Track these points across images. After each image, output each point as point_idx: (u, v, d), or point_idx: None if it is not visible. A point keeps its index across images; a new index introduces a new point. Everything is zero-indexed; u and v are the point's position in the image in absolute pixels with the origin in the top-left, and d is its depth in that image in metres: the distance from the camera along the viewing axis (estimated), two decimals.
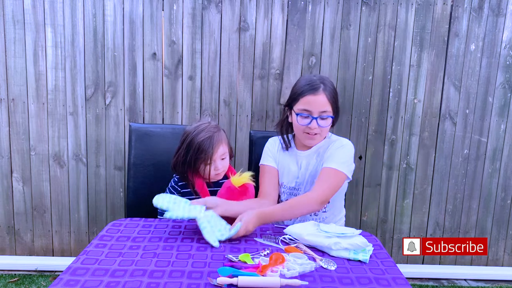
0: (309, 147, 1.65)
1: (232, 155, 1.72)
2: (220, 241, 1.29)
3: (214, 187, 1.64)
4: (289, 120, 1.66)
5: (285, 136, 1.69)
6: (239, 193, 1.55)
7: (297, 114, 1.57)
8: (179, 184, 1.66)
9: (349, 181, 1.63)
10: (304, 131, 1.58)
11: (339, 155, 1.57)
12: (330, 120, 1.56)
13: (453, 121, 2.37)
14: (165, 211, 1.33)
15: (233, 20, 2.22)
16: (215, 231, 1.31)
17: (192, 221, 1.39)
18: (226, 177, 1.69)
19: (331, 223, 1.43)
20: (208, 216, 1.34)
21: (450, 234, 2.49)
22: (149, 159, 1.82)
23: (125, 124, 2.28)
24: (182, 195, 1.63)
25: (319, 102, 1.53)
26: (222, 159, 1.61)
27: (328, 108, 1.54)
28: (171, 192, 1.66)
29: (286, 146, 1.68)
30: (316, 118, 1.54)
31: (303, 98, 1.55)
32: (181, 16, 2.20)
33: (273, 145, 1.73)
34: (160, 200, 1.37)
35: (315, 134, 1.57)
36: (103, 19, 2.19)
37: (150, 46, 2.22)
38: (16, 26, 2.17)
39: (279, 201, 1.70)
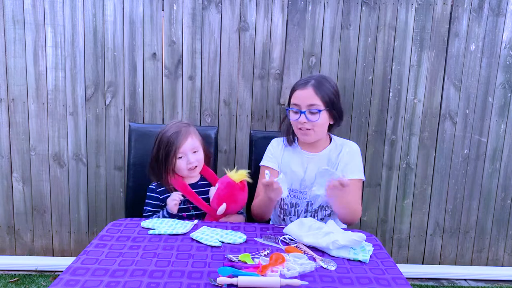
0: (317, 150, 1.64)
1: (209, 155, 1.74)
2: (222, 242, 1.30)
3: (197, 189, 1.66)
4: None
5: (290, 136, 1.69)
6: (239, 188, 1.55)
7: (287, 110, 1.61)
8: (157, 190, 1.67)
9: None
10: (297, 126, 1.59)
11: (356, 163, 1.62)
12: (319, 115, 1.54)
13: (453, 121, 2.37)
14: (151, 228, 1.38)
15: (233, 20, 2.22)
16: (213, 236, 1.33)
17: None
18: (203, 178, 1.71)
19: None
20: (200, 230, 1.37)
21: (450, 234, 2.49)
22: (149, 159, 1.82)
23: (125, 124, 2.28)
24: (163, 201, 1.66)
25: (306, 96, 1.54)
26: (194, 152, 1.63)
27: (317, 101, 1.53)
28: (153, 202, 1.67)
29: (290, 142, 1.68)
30: (303, 112, 1.54)
31: (294, 94, 1.59)
32: (181, 16, 2.21)
33: (276, 146, 1.72)
34: (147, 221, 1.43)
35: (308, 129, 1.56)
36: (103, 19, 2.19)
37: (150, 46, 2.22)
38: (16, 26, 2.17)
39: (282, 204, 1.69)
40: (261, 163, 1.71)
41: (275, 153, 1.70)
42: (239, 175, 1.55)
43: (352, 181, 1.53)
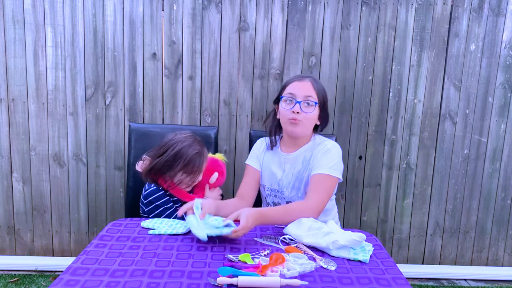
0: (294, 149, 1.65)
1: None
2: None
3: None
4: (278, 116, 1.66)
5: (273, 137, 1.70)
6: (223, 164, 1.79)
7: (281, 98, 1.60)
8: (160, 188, 1.64)
9: (340, 182, 1.62)
10: (288, 117, 1.57)
11: (327, 160, 1.57)
12: (314, 107, 1.56)
13: (453, 121, 2.37)
14: (151, 228, 1.39)
15: (233, 20, 2.22)
16: (204, 228, 1.30)
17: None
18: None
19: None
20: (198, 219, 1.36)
21: (450, 234, 2.49)
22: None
23: (125, 124, 2.28)
24: (172, 196, 1.66)
25: (304, 87, 1.57)
26: None
27: (313, 94, 1.56)
28: (165, 199, 1.65)
29: (271, 145, 1.70)
30: (299, 102, 1.55)
31: (290, 85, 1.60)
32: (181, 16, 2.20)
33: (259, 146, 1.76)
34: (147, 221, 1.44)
35: (298, 120, 1.56)
36: (103, 19, 2.19)
37: (150, 46, 2.22)
38: (16, 26, 2.17)
39: (265, 202, 1.73)
40: (246, 161, 1.77)
41: (257, 153, 1.75)
42: (218, 156, 1.78)
43: (317, 176, 1.55)
